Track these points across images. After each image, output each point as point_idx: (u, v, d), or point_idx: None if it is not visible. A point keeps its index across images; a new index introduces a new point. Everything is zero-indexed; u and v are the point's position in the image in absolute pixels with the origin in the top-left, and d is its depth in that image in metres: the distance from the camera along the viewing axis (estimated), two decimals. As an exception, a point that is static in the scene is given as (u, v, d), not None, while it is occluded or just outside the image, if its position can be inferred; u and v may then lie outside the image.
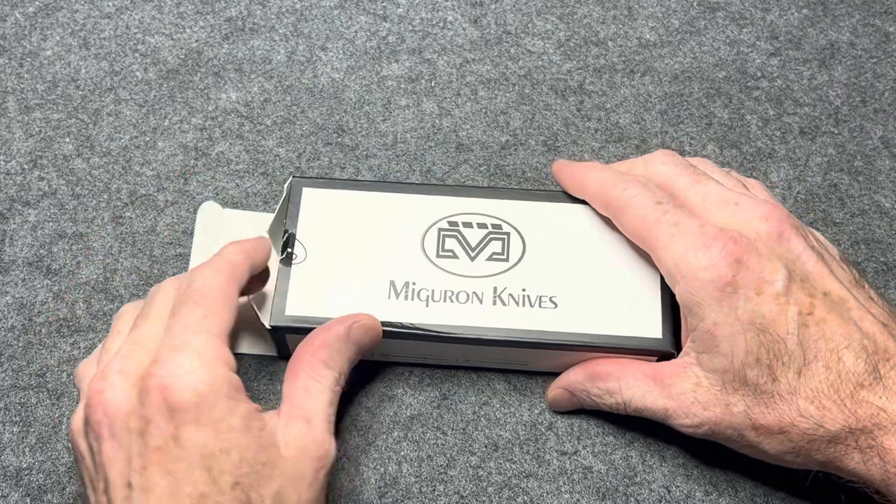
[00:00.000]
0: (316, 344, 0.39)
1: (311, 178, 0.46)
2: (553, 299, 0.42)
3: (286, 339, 0.43)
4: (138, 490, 0.34)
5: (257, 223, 0.48)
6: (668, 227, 0.39)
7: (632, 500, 0.43)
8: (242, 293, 0.40)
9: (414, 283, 0.43)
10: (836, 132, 0.52)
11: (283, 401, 0.37)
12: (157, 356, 0.36)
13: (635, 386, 0.41)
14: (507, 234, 0.44)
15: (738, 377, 0.38)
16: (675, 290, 0.39)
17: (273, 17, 0.56)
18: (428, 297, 0.42)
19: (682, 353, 0.40)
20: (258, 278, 0.42)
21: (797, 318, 0.37)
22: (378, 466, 0.43)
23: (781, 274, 0.37)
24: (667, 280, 0.40)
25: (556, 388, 0.44)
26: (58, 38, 0.55)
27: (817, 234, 0.42)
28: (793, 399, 0.37)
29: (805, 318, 0.37)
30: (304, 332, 0.42)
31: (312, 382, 0.38)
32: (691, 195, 0.41)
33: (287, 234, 0.44)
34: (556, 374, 0.45)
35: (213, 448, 0.34)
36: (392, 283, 0.43)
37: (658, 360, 0.43)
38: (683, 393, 0.39)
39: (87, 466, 0.36)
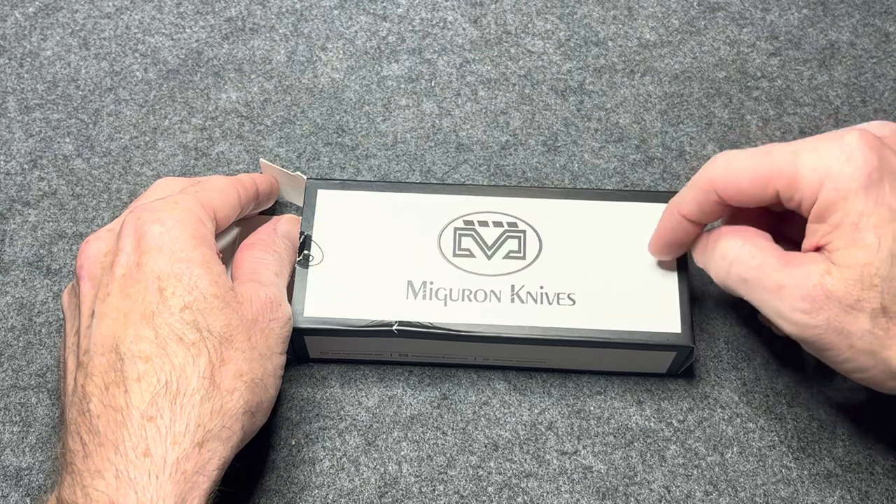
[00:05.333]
0: (251, 241, 0.43)
1: (325, 179, 0.46)
2: (571, 296, 0.43)
3: (305, 341, 0.43)
4: (97, 317, 0.37)
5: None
6: (782, 148, 0.37)
7: (632, 500, 0.43)
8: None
9: (432, 283, 0.43)
10: (836, 132, 0.52)
11: (234, 281, 0.41)
12: (142, 203, 0.40)
13: (756, 247, 0.38)
14: (523, 231, 0.44)
15: (880, 271, 0.35)
16: (819, 196, 0.36)
17: (273, 17, 0.56)
18: (446, 296, 0.43)
19: (813, 244, 0.37)
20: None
21: None
22: (378, 466, 0.43)
23: None
24: (806, 195, 0.36)
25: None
26: (58, 38, 0.55)
27: None
28: None
29: None
30: (324, 333, 0.42)
31: (256, 262, 0.42)
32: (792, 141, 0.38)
33: (303, 237, 0.44)
34: (572, 371, 0.45)
35: (168, 271, 0.37)
36: (410, 282, 0.43)
37: (676, 356, 0.43)
38: (808, 275, 0.36)
39: (66, 328, 0.40)
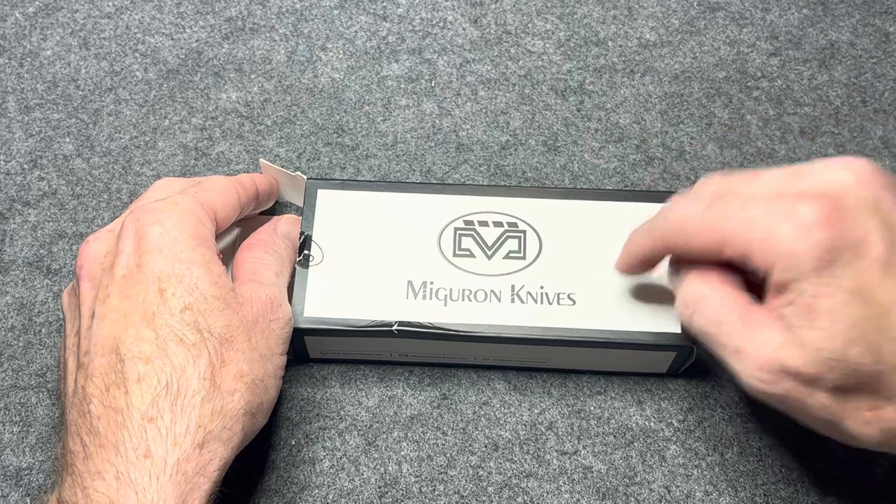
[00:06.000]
0: (251, 242, 0.43)
1: (325, 179, 0.46)
2: (571, 296, 0.43)
3: (305, 341, 0.43)
4: (98, 318, 0.37)
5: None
6: (735, 213, 0.35)
7: (632, 500, 0.43)
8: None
9: (432, 283, 0.43)
10: (836, 132, 0.52)
11: (234, 281, 0.41)
12: (142, 204, 0.40)
13: (719, 300, 0.36)
14: (524, 231, 0.44)
15: (834, 355, 0.33)
16: (773, 275, 0.34)
17: (273, 17, 0.56)
18: (446, 296, 0.43)
19: (772, 310, 0.35)
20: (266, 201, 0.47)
21: None
22: (378, 466, 0.43)
23: (880, 233, 0.33)
24: (760, 268, 0.34)
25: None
26: (58, 38, 0.55)
27: None
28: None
29: None
30: (324, 333, 0.42)
31: (257, 262, 0.42)
32: (752, 186, 0.36)
33: (303, 237, 0.44)
34: (572, 372, 0.45)
35: (168, 272, 0.37)
36: (410, 282, 0.43)
37: (676, 356, 0.43)
38: (767, 344, 0.34)
39: (66, 329, 0.40)
